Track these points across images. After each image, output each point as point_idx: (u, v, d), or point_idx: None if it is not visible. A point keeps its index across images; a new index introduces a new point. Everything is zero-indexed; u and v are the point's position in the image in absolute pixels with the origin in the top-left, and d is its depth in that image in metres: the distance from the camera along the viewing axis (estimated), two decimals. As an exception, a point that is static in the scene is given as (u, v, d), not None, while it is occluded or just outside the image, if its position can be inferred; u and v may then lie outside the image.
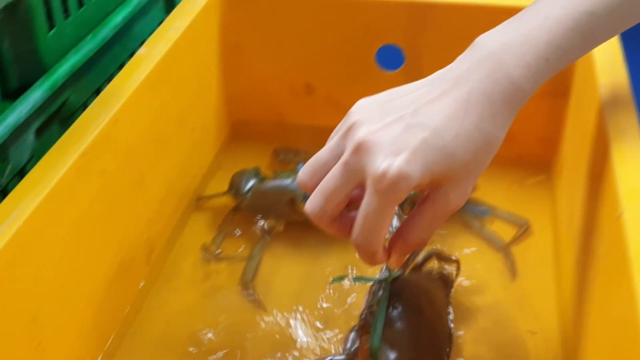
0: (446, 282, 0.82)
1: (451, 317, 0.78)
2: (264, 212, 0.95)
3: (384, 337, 0.69)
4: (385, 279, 0.75)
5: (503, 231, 0.94)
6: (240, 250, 0.92)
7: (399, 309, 0.72)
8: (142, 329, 0.82)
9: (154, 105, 0.87)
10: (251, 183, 0.95)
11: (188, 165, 1.00)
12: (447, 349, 0.73)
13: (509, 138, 1.04)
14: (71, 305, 0.72)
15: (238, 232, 0.95)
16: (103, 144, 0.75)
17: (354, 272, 0.88)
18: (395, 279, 0.75)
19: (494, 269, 0.89)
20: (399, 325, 0.71)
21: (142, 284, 0.87)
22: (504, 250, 0.91)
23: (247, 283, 0.87)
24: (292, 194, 0.91)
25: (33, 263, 0.65)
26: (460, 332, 0.80)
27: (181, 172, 0.97)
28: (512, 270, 0.88)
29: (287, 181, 0.93)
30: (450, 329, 0.77)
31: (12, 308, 0.62)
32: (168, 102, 0.90)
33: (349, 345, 0.71)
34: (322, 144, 1.09)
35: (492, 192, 0.99)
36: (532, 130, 1.04)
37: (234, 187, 0.95)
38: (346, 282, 0.85)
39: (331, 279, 0.81)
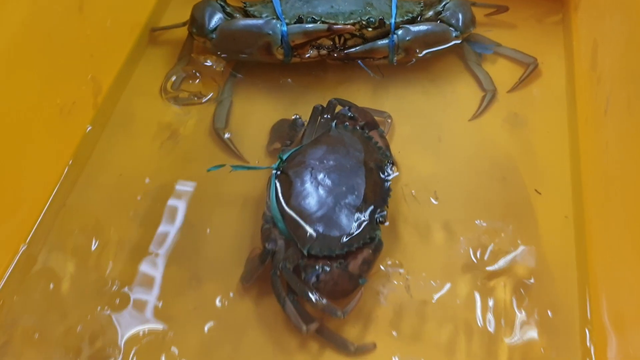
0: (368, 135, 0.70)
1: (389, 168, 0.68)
2: (232, 55, 0.79)
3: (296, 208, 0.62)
4: (270, 167, 0.66)
5: (509, 71, 0.82)
6: (209, 96, 0.78)
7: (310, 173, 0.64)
8: (92, 179, 0.70)
9: None
10: (216, 19, 0.78)
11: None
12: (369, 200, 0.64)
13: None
14: (8, 152, 0.61)
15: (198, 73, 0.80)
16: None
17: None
18: (279, 169, 0.65)
19: (502, 116, 0.78)
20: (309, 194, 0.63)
21: (88, 129, 0.73)
22: (493, 94, 0.79)
23: (220, 130, 0.74)
24: (267, 37, 0.75)
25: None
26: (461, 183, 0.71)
27: (129, -4, 0.81)
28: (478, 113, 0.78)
29: (261, 22, 0.76)
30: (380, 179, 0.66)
31: None
32: None
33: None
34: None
35: (498, 29, 0.86)
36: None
37: (196, 23, 0.78)
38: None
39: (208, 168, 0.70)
